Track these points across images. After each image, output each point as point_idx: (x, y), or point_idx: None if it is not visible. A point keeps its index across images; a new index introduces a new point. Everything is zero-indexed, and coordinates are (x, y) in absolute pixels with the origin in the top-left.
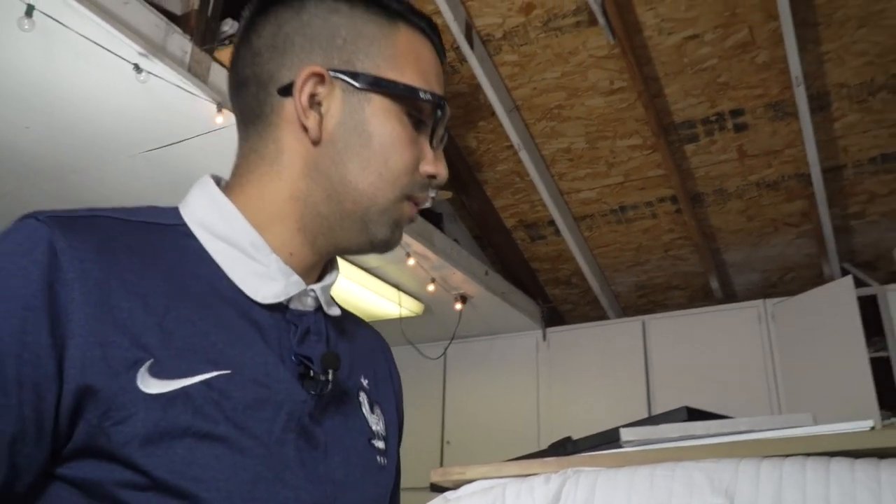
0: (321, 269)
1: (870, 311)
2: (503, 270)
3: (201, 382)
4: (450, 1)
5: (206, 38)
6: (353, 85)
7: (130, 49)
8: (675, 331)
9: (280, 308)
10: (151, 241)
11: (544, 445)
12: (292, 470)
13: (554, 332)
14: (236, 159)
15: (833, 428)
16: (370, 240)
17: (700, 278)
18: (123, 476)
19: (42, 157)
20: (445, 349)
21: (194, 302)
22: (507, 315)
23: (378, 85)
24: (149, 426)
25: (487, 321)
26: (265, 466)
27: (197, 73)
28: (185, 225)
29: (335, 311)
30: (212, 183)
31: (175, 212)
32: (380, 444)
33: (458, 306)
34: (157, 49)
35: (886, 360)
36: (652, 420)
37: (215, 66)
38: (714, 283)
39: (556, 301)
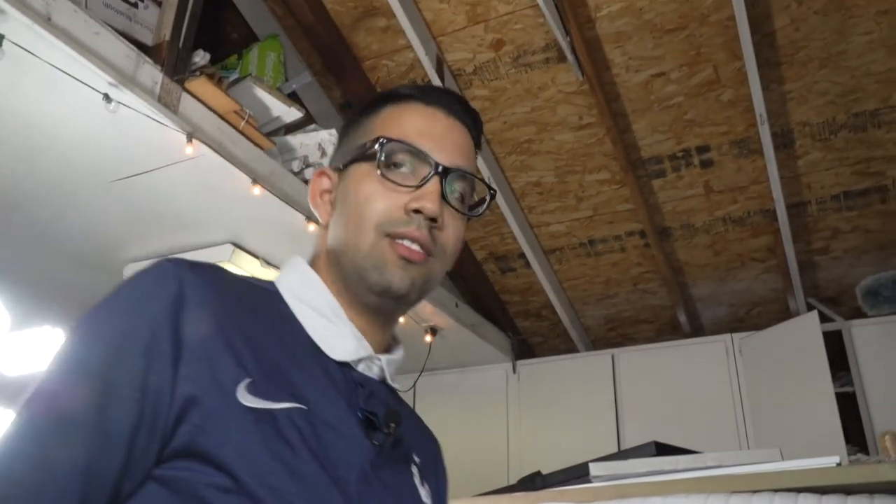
0: (385, 343)
1: (835, 346)
2: (473, 303)
3: (283, 409)
4: (421, 36)
5: (177, 68)
6: (339, 169)
7: (100, 79)
8: (644, 364)
9: (349, 368)
10: (254, 295)
11: (514, 479)
12: (349, 500)
13: (524, 364)
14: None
15: (800, 464)
16: (367, 286)
17: (668, 312)
18: (213, 478)
19: (7, 186)
20: (415, 382)
21: (281, 347)
22: (478, 347)
23: (348, 159)
24: (242, 433)
25: (457, 353)
26: (330, 497)
27: (167, 104)
28: (278, 292)
29: (398, 385)
30: (302, 261)
31: (272, 283)
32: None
33: (428, 338)
34: (127, 79)
35: (852, 396)
36: (621, 455)
37: (185, 97)
38: (682, 317)
39: (526, 333)
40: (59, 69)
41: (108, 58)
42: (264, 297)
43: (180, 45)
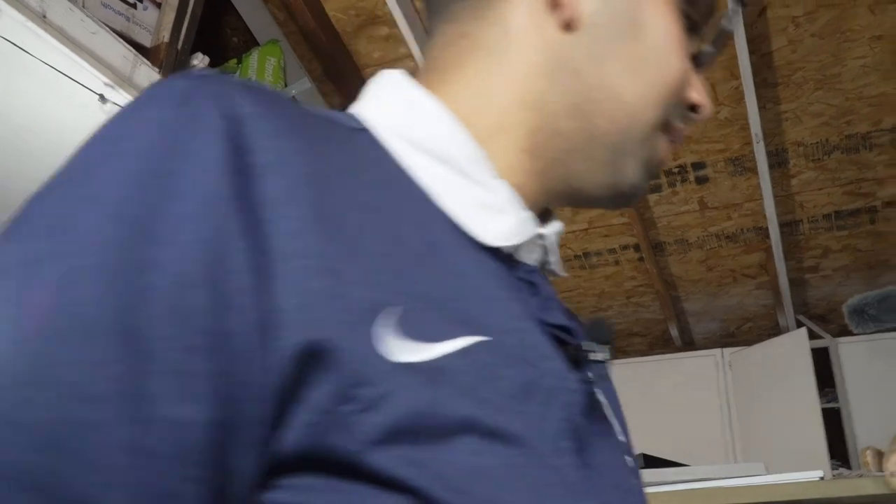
0: (539, 206)
1: (822, 363)
2: None
3: (460, 352)
4: (423, 45)
5: (175, 71)
6: None
7: (96, 79)
8: (635, 377)
9: (504, 258)
10: (345, 144)
11: None
12: (576, 498)
13: None
14: (431, 51)
15: (784, 477)
16: (615, 181)
17: (660, 325)
18: (373, 502)
19: None
20: None
21: (413, 234)
22: None
23: None
24: (414, 415)
25: None
26: (547, 487)
27: None
28: (368, 133)
29: (561, 272)
30: (403, 77)
31: (349, 116)
32: (631, 463)
33: None
34: (123, 80)
35: (837, 412)
36: None
37: None
38: (674, 331)
39: None
40: (53, 68)
41: (105, 58)
42: (359, 145)
43: (179, 47)
